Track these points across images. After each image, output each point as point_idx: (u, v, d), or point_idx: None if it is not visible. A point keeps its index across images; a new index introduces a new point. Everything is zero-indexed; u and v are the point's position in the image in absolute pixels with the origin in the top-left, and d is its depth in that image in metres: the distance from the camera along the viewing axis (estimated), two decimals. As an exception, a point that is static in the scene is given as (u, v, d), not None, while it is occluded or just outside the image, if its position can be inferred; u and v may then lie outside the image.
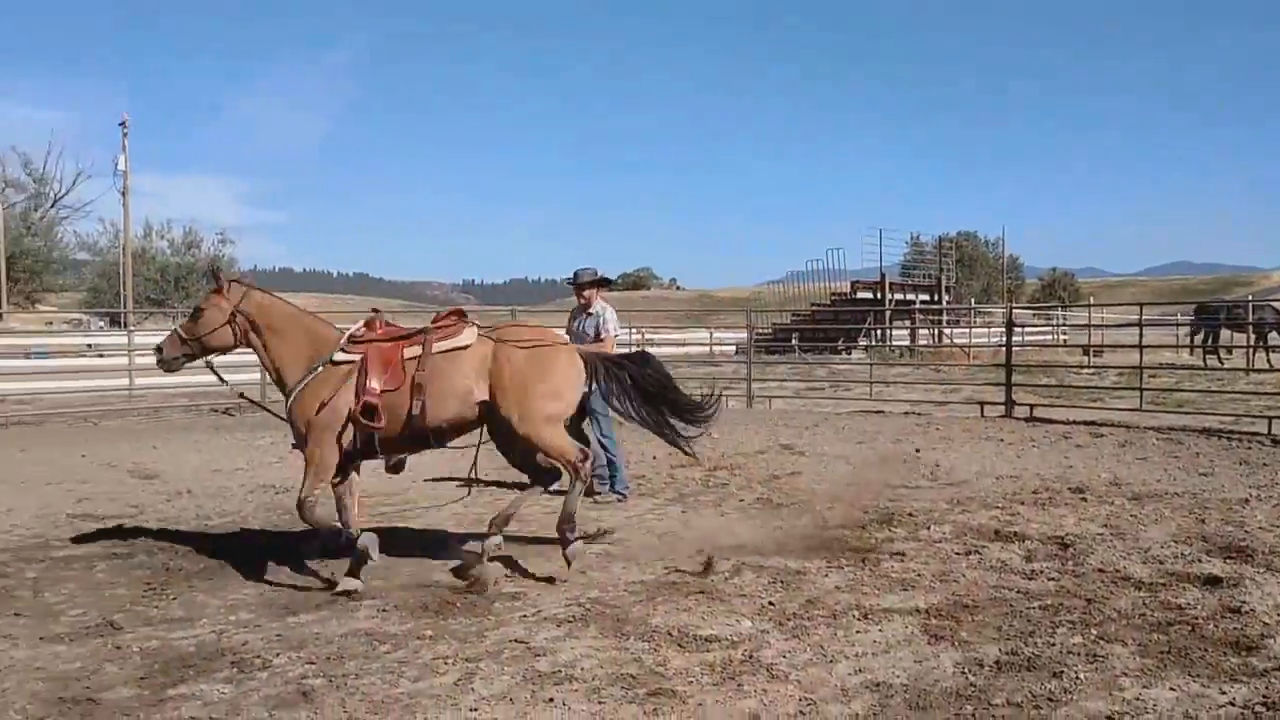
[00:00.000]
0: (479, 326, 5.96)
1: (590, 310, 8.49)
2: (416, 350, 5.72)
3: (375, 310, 6.19)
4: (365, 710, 3.80)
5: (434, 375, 5.65)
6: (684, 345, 31.91)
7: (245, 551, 6.40)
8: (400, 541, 6.56)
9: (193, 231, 50.92)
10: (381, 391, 5.57)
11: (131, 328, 27.85)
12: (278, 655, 4.41)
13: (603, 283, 8.62)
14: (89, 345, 23.74)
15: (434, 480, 9.05)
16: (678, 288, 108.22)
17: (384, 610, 5.08)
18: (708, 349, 30.37)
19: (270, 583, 5.70)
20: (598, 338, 8.31)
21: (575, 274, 8.58)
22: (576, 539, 5.79)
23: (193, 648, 4.55)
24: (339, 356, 5.70)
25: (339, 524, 5.77)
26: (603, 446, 8.20)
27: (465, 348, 5.76)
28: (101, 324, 35.45)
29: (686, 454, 6.45)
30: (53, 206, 47.32)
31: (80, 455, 10.88)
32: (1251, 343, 19.60)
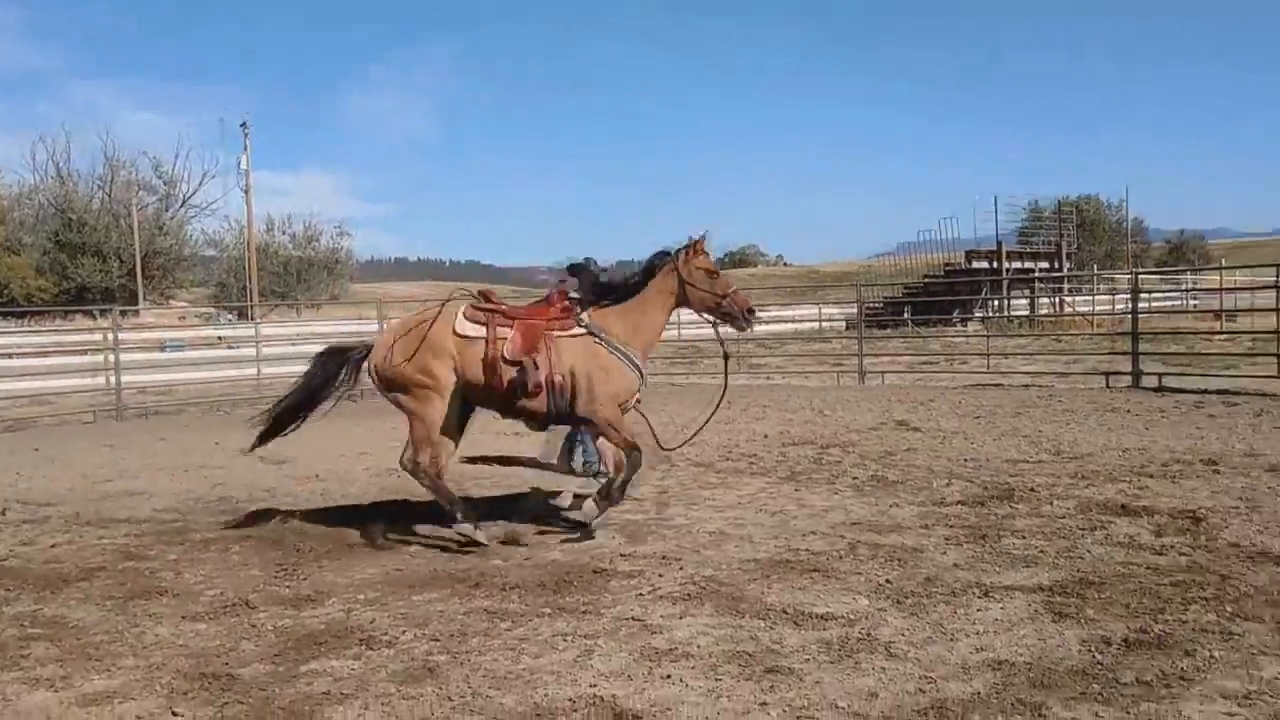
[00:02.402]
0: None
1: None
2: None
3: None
4: (488, 686, 3.90)
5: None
6: (793, 322, 31.62)
7: (370, 533, 6.63)
8: (515, 520, 6.71)
9: (312, 226, 52.93)
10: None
11: (258, 320, 29.05)
12: (403, 632, 4.57)
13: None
14: (219, 338, 24.88)
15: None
16: (785, 264, 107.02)
17: (503, 589, 5.20)
18: (816, 325, 30.04)
19: (394, 562, 5.90)
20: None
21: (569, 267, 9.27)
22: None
23: (322, 625, 4.74)
24: None
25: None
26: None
27: None
28: (230, 317, 37.21)
29: None
30: (182, 207, 49.65)
31: (214, 443, 11.42)
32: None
